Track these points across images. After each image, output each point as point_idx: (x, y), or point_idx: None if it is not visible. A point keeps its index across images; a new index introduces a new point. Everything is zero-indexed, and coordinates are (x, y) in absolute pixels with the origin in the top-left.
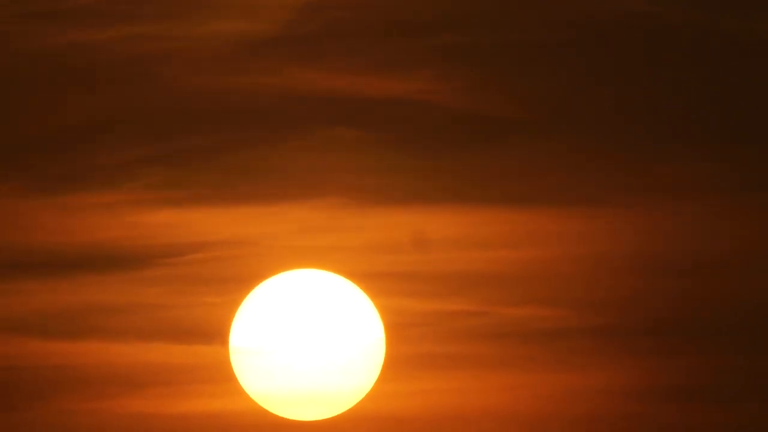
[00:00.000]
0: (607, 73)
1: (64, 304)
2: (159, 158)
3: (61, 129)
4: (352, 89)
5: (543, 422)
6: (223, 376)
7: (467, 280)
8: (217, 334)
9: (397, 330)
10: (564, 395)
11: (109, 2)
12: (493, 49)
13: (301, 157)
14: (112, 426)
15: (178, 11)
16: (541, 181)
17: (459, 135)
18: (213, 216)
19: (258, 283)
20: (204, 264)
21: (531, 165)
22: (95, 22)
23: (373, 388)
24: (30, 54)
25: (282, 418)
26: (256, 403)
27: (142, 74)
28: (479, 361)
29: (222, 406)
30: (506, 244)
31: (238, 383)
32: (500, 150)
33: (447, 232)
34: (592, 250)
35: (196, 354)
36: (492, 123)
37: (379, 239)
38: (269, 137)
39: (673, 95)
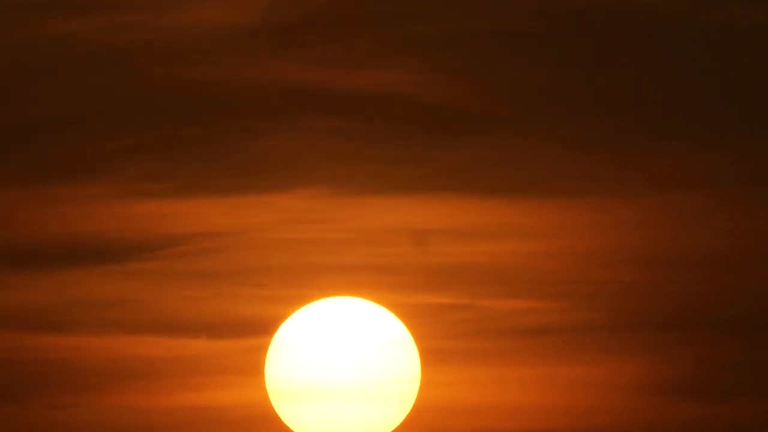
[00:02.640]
0: (591, 63)
1: (48, 297)
2: (141, 150)
3: (42, 120)
4: (332, 81)
5: (531, 415)
6: (209, 369)
7: (454, 273)
8: (203, 327)
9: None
10: (550, 388)
11: None
12: (471, 40)
13: (284, 147)
14: (99, 420)
15: (158, 2)
16: (527, 173)
17: (442, 126)
18: (197, 207)
19: (245, 277)
20: (189, 257)
21: (518, 156)
22: (76, 13)
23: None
24: (11, 45)
25: (271, 411)
26: (243, 396)
27: (123, 65)
28: (466, 354)
29: (209, 399)
30: (493, 237)
31: (225, 376)
32: (486, 141)
33: (433, 223)
34: (578, 244)
35: (183, 347)
36: (474, 114)
37: (364, 231)
38: (252, 128)
39: (659, 86)
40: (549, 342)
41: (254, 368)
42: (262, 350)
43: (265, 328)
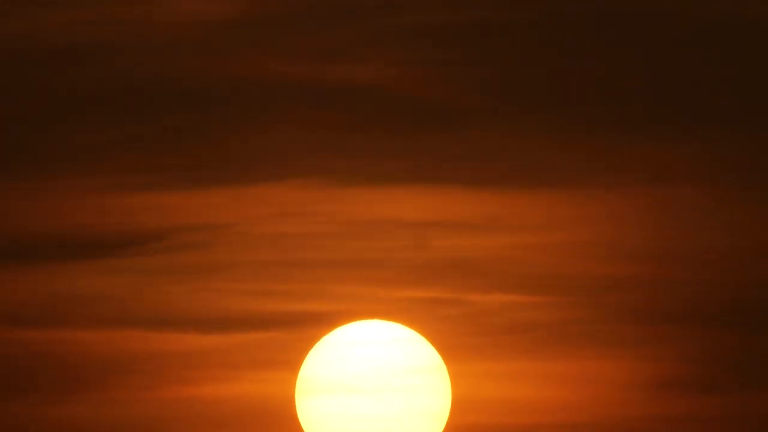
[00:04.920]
0: (577, 54)
1: (35, 292)
2: (127, 143)
3: (28, 113)
4: (316, 74)
5: (521, 409)
6: (197, 363)
7: (441, 267)
8: (191, 322)
9: (368, 318)
10: (540, 383)
11: None
12: (455, 31)
13: (271, 139)
14: (85, 414)
15: None
16: (515, 164)
17: (428, 118)
18: (184, 200)
19: (233, 272)
20: (177, 251)
21: (505, 148)
22: (62, 6)
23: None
24: None
25: (258, 404)
26: (231, 389)
27: (107, 58)
28: (454, 349)
29: (198, 392)
30: (481, 230)
31: (213, 370)
32: (473, 132)
33: (421, 216)
34: (568, 237)
35: (170, 342)
36: (459, 106)
37: (352, 224)
38: (239, 120)
39: (646, 76)
40: (538, 337)
41: (242, 363)
42: (251, 345)
43: (254, 323)
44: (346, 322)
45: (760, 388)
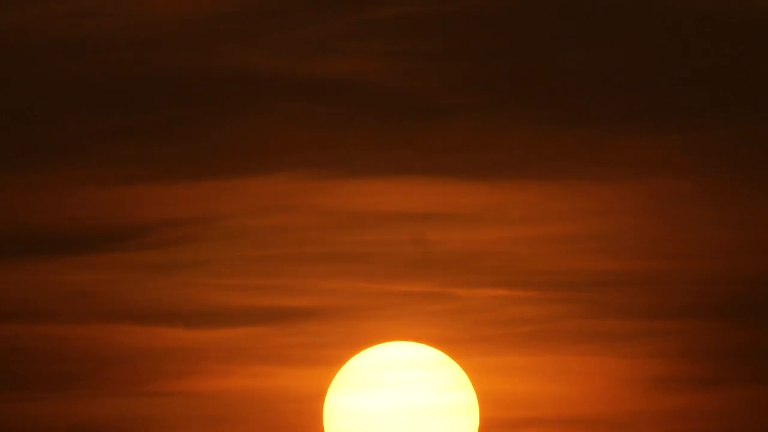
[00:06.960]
0: (567, 45)
1: (19, 286)
2: (114, 135)
3: (13, 106)
4: (301, 66)
5: (519, 404)
6: (184, 357)
7: (429, 260)
8: (179, 316)
9: (355, 313)
10: (531, 379)
11: None
12: (441, 22)
13: (258, 132)
14: (76, 409)
15: None
16: (504, 156)
17: (416, 110)
18: (170, 193)
19: (221, 266)
20: (161, 245)
21: (493, 140)
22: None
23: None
24: None
25: (250, 399)
26: (219, 384)
27: (92, 51)
28: (443, 345)
29: (186, 387)
30: (470, 223)
31: (201, 364)
32: (461, 124)
33: (411, 209)
34: (557, 230)
35: (159, 337)
36: (447, 97)
37: (339, 217)
38: (224, 113)
39: (633, 68)
40: (530, 332)
41: (231, 358)
42: (240, 340)
43: (242, 318)
44: (340, 319)
45: (759, 383)
